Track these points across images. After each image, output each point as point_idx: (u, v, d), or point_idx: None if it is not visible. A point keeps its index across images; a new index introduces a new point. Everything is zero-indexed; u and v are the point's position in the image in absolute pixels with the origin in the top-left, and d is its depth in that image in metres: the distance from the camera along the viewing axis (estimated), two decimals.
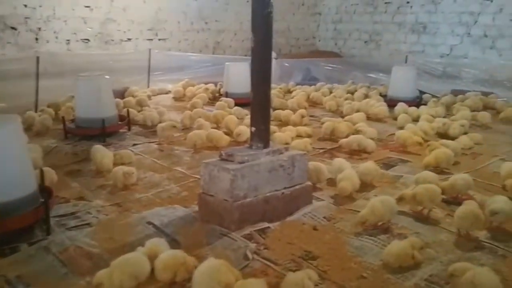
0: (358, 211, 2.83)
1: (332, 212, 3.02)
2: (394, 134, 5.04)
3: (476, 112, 5.74)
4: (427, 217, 2.86)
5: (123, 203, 3.14)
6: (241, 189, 2.68)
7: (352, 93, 7.26)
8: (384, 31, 10.87)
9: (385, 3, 10.75)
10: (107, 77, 4.93)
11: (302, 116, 5.25)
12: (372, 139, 4.54)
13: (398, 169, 3.91)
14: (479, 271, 2.02)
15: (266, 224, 2.77)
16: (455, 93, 7.18)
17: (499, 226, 2.77)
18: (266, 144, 2.91)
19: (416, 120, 5.41)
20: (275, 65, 8.42)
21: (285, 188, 2.92)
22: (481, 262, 2.42)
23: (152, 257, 2.19)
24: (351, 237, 2.66)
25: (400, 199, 2.90)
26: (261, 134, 2.88)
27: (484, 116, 5.44)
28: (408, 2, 10.25)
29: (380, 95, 7.00)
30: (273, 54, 8.81)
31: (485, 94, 7.04)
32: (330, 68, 10.00)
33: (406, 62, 8.38)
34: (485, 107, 6.51)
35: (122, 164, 3.63)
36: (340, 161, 3.61)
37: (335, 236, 2.69)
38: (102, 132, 4.59)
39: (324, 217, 2.94)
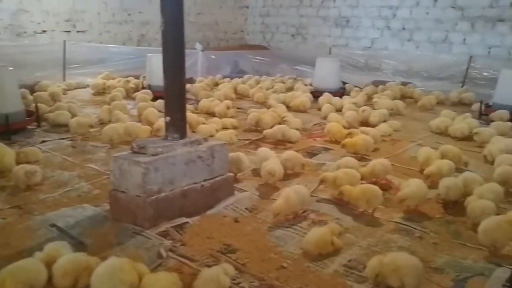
0: None
1: (254, 203, 2.93)
2: (318, 123, 5.11)
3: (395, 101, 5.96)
4: (371, 215, 2.83)
5: (24, 205, 2.83)
6: (155, 183, 2.50)
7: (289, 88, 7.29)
8: (310, 25, 11.04)
9: None
10: (11, 68, 4.48)
11: (228, 107, 5.12)
12: (297, 129, 4.57)
13: (321, 157, 3.91)
14: (400, 255, 2.00)
15: (184, 219, 2.61)
16: (376, 83, 7.43)
17: (415, 209, 2.84)
18: (182, 135, 2.74)
19: (339, 110, 5.50)
20: (202, 57, 8.26)
21: (204, 180, 2.77)
22: (399, 244, 2.44)
23: (50, 263, 1.96)
24: (272, 227, 2.58)
25: (322, 181, 2.93)
26: (177, 124, 2.71)
27: (399, 105, 5.66)
28: None
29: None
30: (200, 47, 8.71)
31: (404, 84, 7.35)
32: (258, 61, 9.99)
33: (330, 54, 8.54)
34: (404, 97, 6.79)
35: (27, 162, 3.29)
36: (264, 150, 3.54)
37: (257, 227, 2.60)
38: (6, 128, 4.16)
39: (246, 208, 2.84)
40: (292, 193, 2.60)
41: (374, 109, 5.37)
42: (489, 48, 8.13)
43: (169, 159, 2.56)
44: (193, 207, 2.68)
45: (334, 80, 6.66)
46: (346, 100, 5.77)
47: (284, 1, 11.51)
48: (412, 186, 2.76)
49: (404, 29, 9.30)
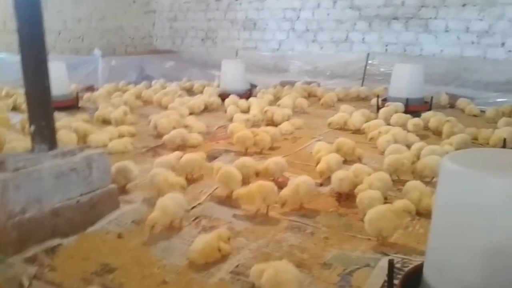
0: None
1: (142, 215, 2.70)
2: (223, 126, 4.99)
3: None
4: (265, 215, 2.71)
5: None
6: (17, 202, 2.20)
7: (188, 90, 7.09)
8: (219, 28, 10.95)
9: (216, 0, 10.84)
10: None
11: (125, 114, 4.82)
12: (200, 132, 4.44)
13: (221, 159, 3.78)
14: (280, 268, 1.88)
15: (57, 241, 2.33)
16: (284, 84, 7.51)
17: (309, 204, 2.80)
18: (52, 145, 2.45)
19: (246, 111, 5.44)
20: (102, 64, 7.81)
21: (81, 195, 2.50)
22: (290, 243, 2.37)
23: None
24: (158, 239, 2.39)
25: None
26: (43, 133, 2.41)
27: (302, 103, 5.74)
28: (237, 0, 10.49)
29: None
30: (98, 52, 8.24)
31: (309, 83, 7.51)
32: (167, 66, 9.73)
33: (237, 56, 8.50)
34: (309, 95, 6.92)
35: None
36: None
37: (142, 241, 2.38)
38: None
39: (133, 222, 2.62)
40: (167, 201, 2.42)
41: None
42: (386, 45, 8.58)
43: (33, 173, 2.27)
44: (68, 226, 2.40)
45: (241, 82, 6.60)
46: (253, 101, 5.71)
47: (191, 5, 11.33)
48: (293, 185, 2.71)
49: (308, 30, 9.53)
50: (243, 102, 5.77)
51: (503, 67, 6.95)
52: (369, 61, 7.91)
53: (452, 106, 6.07)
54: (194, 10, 11.30)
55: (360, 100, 6.76)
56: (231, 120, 5.08)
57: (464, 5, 7.67)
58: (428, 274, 1.53)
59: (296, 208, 2.77)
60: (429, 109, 5.48)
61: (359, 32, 8.87)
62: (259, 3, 10.14)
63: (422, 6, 8.09)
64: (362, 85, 7.60)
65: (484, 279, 1.34)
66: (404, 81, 5.64)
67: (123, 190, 2.97)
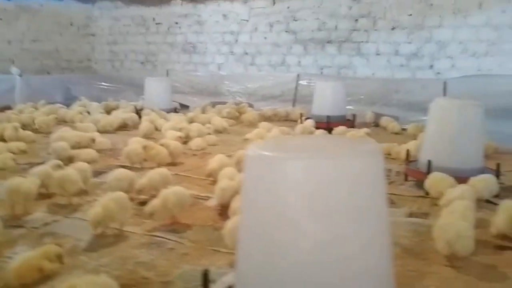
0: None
1: None
2: None
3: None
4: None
5: None
6: None
7: (109, 111, 6.74)
8: (159, 52, 10.74)
9: (156, 24, 10.67)
10: None
11: (16, 130, 4.42)
12: (103, 149, 4.15)
13: (106, 175, 3.44)
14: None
15: None
16: (214, 104, 7.31)
17: (184, 219, 2.51)
18: None
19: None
20: (20, 83, 7.36)
21: None
22: (139, 260, 2.05)
23: None
24: None
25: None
26: None
27: (223, 122, 5.54)
28: (176, 23, 10.34)
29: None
30: (16, 71, 7.79)
31: (238, 103, 7.36)
32: (102, 87, 9.41)
33: (167, 75, 8.25)
34: (240, 113, 6.72)
35: None
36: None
37: None
38: None
39: None
40: None
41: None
42: (321, 68, 8.60)
43: None
44: None
45: (165, 100, 6.33)
46: (174, 117, 5.45)
47: (131, 29, 11.10)
48: (160, 198, 2.41)
49: (246, 53, 9.47)
50: (162, 121, 5.48)
51: (431, 87, 7.03)
52: (300, 82, 7.84)
53: (377, 124, 6.02)
54: (133, 34, 11.07)
55: (289, 120, 6.62)
56: (143, 136, 4.78)
57: (393, 28, 7.82)
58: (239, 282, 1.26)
59: (167, 222, 2.47)
60: (352, 126, 5.39)
61: (295, 55, 8.88)
62: (198, 27, 10.04)
63: (354, 30, 8.20)
64: (293, 105, 7.49)
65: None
66: (326, 99, 5.55)
67: None
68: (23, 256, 1.84)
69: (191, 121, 5.49)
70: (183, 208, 2.48)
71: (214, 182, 3.12)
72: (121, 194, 2.33)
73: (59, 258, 1.90)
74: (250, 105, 7.44)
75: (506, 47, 6.86)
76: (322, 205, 1.06)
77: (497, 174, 3.02)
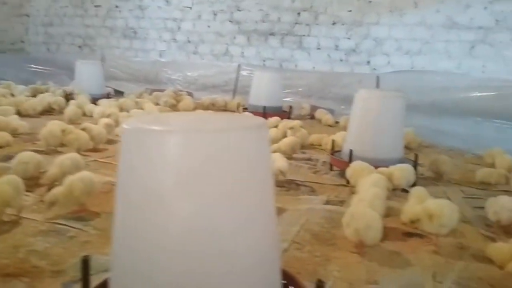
0: None
1: None
2: None
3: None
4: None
5: None
6: None
7: (36, 95, 6.34)
8: (97, 36, 10.28)
9: (95, 6, 10.19)
10: None
11: None
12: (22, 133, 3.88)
13: None
14: None
15: None
16: (152, 91, 7.09)
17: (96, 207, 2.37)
18: None
19: (90, 114, 4.94)
20: None
21: None
22: (32, 248, 1.90)
23: None
24: None
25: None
26: None
27: (154, 109, 5.37)
28: (117, 7, 9.93)
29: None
30: None
31: (176, 91, 7.18)
32: (34, 69, 8.88)
33: (102, 61, 7.90)
34: (178, 102, 6.56)
35: None
36: None
37: None
38: None
39: None
40: None
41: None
42: (264, 60, 8.58)
43: None
44: None
45: (97, 85, 6.04)
46: (100, 103, 5.20)
47: (68, 10, 10.53)
48: (64, 185, 2.26)
49: (189, 41, 9.28)
50: (91, 106, 5.23)
51: (367, 82, 7.21)
52: (241, 73, 7.78)
53: (312, 117, 6.09)
54: (71, 16, 10.52)
55: (228, 110, 6.55)
56: (69, 121, 4.54)
57: (333, 23, 7.93)
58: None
59: (75, 209, 2.32)
60: (288, 118, 5.41)
61: (238, 46, 8.80)
62: (140, 12, 9.70)
63: (296, 23, 8.24)
64: (233, 96, 7.43)
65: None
66: (263, 89, 5.53)
67: None
68: None
69: (122, 107, 5.28)
70: (91, 195, 2.34)
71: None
72: (15, 177, 2.14)
73: None
74: (190, 94, 7.30)
75: (438, 46, 7.17)
76: (198, 183, 1.00)
77: (415, 164, 3.11)
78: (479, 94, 6.05)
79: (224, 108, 6.60)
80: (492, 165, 3.68)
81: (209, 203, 1.01)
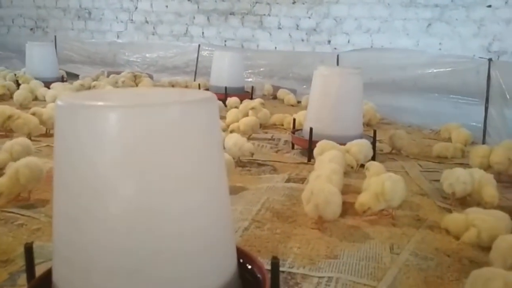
0: None
1: None
2: None
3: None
4: None
5: None
6: None
7: None
8: (50, 17, 9.80)
9: None
10: None
11: None
12: None
13: None
14: None
15: None
16: (109, 73, 6.85)
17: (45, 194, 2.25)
18: None
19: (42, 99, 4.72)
20: None
21: None
22: None
23: None
24: None
25: None
26: None
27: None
28: None
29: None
30: None
31: (139, 74, 6.98)
32: None
33: (55, 42, 7.55)
34: (137, 84, 6.38)
35: None
36: None
37: None
38: None
39: None
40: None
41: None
42: (225, 40, 8.45)
43: None
44: None
45: (50, 68, 5.77)
46: (54, 87, 4.97)
47: None
48: (8, 174, 2.13)
49: (147, 22, 9.00)
50: (43, 90, 4.99)
51: (328, 61, 7.23)
52: (202, 53, 7.63)
53: (274, 97, 6.07)
54: None
55: None
56: (19, 106, 4.32)
57: (294, 2, 7.87)
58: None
59: (24, 197, 2.21)
60: (251, 98, 5.35)
61: (198, 26, 8.62)
62: None
63: (257, 3, 8.13)
64: (195, 77, 7.30)
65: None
66: (224, 69, 5.44)
67: None
68: None
69: (78, 90, 5.07)
70: (39, 181, 2.22)
71: None
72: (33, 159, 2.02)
73: None
74: (150, 76, 7.11)
75: (396, 24, 7.25)
76: (140, 161, 0.94)
77: (374, 140, 3.15)
78: (435, 71, 6.17)
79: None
80: (449, 140, 3.79)
81: (153, 182, 0.96)
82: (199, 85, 5.63)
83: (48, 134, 3.48)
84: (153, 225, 0.95)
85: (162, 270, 0.97)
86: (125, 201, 0.94)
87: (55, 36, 8.45)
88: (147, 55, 7.88)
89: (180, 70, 7.65)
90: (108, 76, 6.60)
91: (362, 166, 2.84)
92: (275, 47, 8.07)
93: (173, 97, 1.08)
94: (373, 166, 2.33)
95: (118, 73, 6.89)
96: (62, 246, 1.02)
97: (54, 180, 1.05)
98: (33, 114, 3.37)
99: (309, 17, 7.82)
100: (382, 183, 2.05)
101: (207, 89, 5.61)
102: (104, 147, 0.94)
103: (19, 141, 2.61)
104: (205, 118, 1.04)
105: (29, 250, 1.22)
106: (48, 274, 1.16)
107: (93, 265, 0.96)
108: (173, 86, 6.43)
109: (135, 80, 6.34)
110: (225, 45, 8.38)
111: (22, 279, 1.50)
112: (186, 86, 6.51)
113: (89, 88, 5.37)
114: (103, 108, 0.95)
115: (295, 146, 3.43)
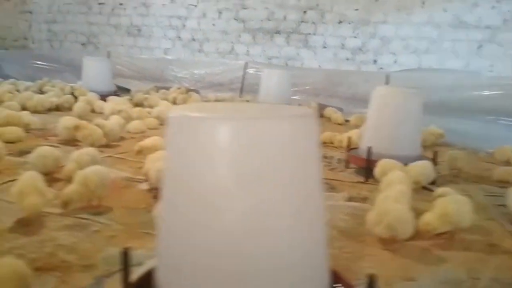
0: None
1: None
2: None
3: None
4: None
5: None
6: None
7: (43, 91, 6.31)
8: (101, 34, 10.25)
9: (99, 3, 10.15)
10: None
11: None
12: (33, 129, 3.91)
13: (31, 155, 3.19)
14: None
15: None
16: (158, 88, 7.06)
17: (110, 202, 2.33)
18: None
19: (99, 111, 4.91)
20: None
21: None
22: (58, 242, 1.86)
23: None
24: None
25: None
26: None
27: (168, 106, 5.32)
28: (121, 4, 9.90)
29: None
30: None
31: (187, 90, 7.16)
32: (39, 66, 8.83)
33: (108, 57, 7.86)
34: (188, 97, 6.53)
35: None
36: None
37: None
38: None
39: None
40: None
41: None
42: (269, 59, 8.57)
43: None
44: None
45: (104, 82, 6.00)
46: (110, 100, 5.17)
47: (71, 7, 10.49)
48: (80, 177, 2.21)
49: (194, 40, 9.26)
50: (100, 103, 5.19)
51: (374, 80, 7.18)
52: (248, 71, 7.74)
53: (321, 115, 6.06)
54: (74, 13, 10.49)
55: None
56: (79, 118, 4.50)
57: (340, 22, 7.91)
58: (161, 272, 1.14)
59: (93, 205, 2.29)
60: None
61: (243, 44, 8.79)
62: (144, 9, 9.68)
63: (302, 22, 8.22)
64: (240, 93, 7.40)
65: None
66: (272, 87, 5.50)
67: None
68: None
69: (135, 104, 5.25)
70: (106, 189, 2.30)
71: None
72: (34, 172, 2.10)
73: None
74: (197, 92, 7.26)
75: (445, 45, 7.15)
76: (250, 170, 0.96)
77: (434, 162, 3.09)
78: (487, 93, 6.03)
79: None
80: (506, 163, 3.67)
81: (264, 198, 0.98)
82: (247, 102, 5.72)
83: (109, 145, 3.60)
84: (264, 236, 0.97)
85: (268, 280, 0.98)
86: (239, 213, 0.96)
87: (108, 52, 8.79)
88: (195, 71, 8.07)
89: (226, 87, 7.79)
90: (157, 91, 6.79)
91: (425, 188, 2.80)
92: (319, 66, 8.10)
93: (278, 111, 1.11)
94: (444, 191, 2.28)
95: (167, 88, 7.08)
96: (169, 254, 1.06)
97: (164, 190, 1.09)
98: (97, 125, 3.51)
99: (355, 37, 7.83)
100: (447, 205, 2.01)
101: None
102: (221, 159, 0.97)
103: (86, 151, 2.71)
104: (309, 132, 1.06)
105: (125, 255, 1.26)
106: (145, 277, 1.21)
107: (202, 272, 0.99)
108: (219, 101, 6.54)
109: (185, 95, 6.50)
110: (269, 63, 8.48)
111: (108, 284, 1.55)
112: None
113: (141, 102, 5.53)
114: (220, 120, 0.98)
115: (350, 165, 3.40)
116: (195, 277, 1.00)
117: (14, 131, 3.47)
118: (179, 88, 6.87)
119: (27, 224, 2.01)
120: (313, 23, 8.11)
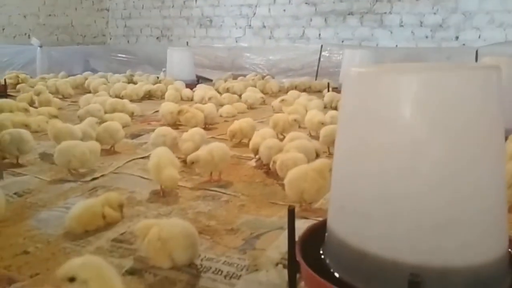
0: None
1: (31, 186, 2.29)
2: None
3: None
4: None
5: None
6: None
7: (131, 82, 6.68)
8: (174, 26, 10.61)
9: None
10: None
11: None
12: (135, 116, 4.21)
13: (143, 137, 3.42)
14: (162, 226, 1.52)
15: None
16: (236, 76, 7.21)
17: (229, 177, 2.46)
18: None
19: (189, 99, 5.14)
20: (41, 54, 7.31)
21: None
22: (197, 210, 2.01)
23: None
24: (42, 209, 1.99)
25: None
26: None
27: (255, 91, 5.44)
28: None
29: None
30: (37, 42, 7.72)
31: (263, 76, 7.24)
32: (120, 59, 9.35)
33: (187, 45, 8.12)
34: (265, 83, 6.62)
35: None
36: None
37: (18, 212, 1.97)
38: None
39: (16, 193, 2.20)
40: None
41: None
42: (342, 41, 8.44)
43: None
44: None
45: (188, 71, 6.24)
46: (198, 88, 5.39)
47: (146, 2, 10.94)
48: (206, 149, 2.35)
49: (264, 27, 9.32)
50: (186, 91, 5.41)
51: (456, 57, 6.86)
52: (323, 53, 7.69)
53: None
54: (148, 8, 10.93)
55: (313, 92, 6.50)
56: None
57: None
58: (331, 216, 1.21)
59: (214, 178, 2.42)
60: None
61: (315, 28, 8.72)
62: (215, 0, 9.87)
63: (377, 1, 8.01)
64: (316, 77, 7.37)
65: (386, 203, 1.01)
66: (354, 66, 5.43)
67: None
68: (83, 204, 1.79)
69: (223, 91, 5.43)
70: (227, 163, 2.43)
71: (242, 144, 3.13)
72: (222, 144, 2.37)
73: (120, 207, 1.86)
74: (272, 77, 7.33)
75: None
76: (445, 124, 0.99)
77: None
78: None
79: (308, 90, 6.55)
80: None
81: (458, 144, 1.00)
82: (328, 84, 5.67)
83: (207, 128, 3.76)
84: (457, 186, 1.00)
85: (456, 231, 1.01)
86: (434, 162, 0.99)
87: (187, 42, 9.09)
88: (270, 57, 8.14)
89: (300, 72, 7.79)
90: (235, 79, 6.94)
91: None
92: (396, 45, 7.87)
93: (465, 66, 1.12)
94: None
95: (244, 75, 7.21)
96: (358, 199, 1.10)
97: (342, 149, 1.15)
98: (197, 109, 3.68)
99: (435, 13, 7.50)
100: None
101: (336, 88, 5.65)
102: (416, 111, 1.00)
103: (196, 131, 2.86)
104: (495, 83, 1.06)
105: (292, 212, 1.34)
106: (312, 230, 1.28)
107: (395, 218, 1.03)
108: (295, 86, 6.56)
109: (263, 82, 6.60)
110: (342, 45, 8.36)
111: (259, 243, 1.66)
112: (310, 87, 6.60)
113: (225, 89, 5.69)
114: (410, 73, 1.02)
115: None
116: (385, 222, 1.05)
117: (123, 117, 3.73)
118: (256, 75, 6.97)
119: (163, 196, 2.18)
120: (389, 1, 7.86)
